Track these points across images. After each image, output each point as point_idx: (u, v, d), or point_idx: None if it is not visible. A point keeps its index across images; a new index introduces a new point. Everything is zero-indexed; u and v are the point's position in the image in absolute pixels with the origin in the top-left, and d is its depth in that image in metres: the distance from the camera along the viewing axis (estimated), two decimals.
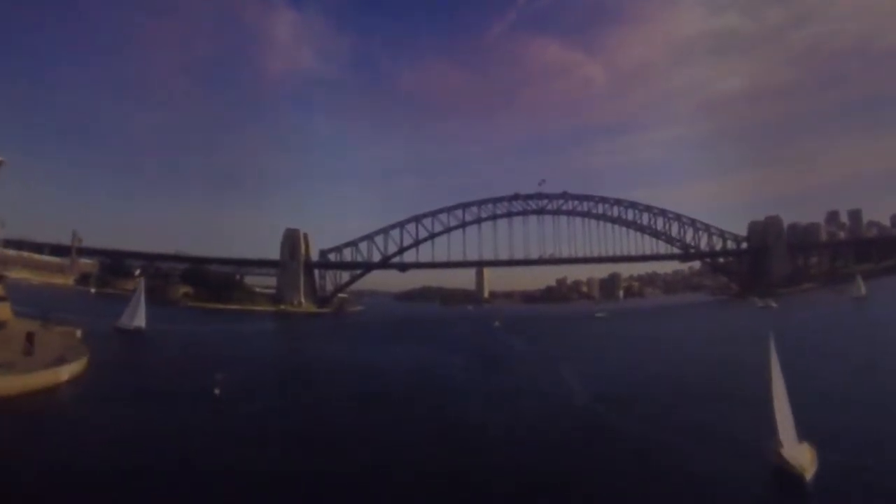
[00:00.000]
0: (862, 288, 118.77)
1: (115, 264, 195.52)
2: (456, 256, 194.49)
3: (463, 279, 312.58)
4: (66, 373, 36.89)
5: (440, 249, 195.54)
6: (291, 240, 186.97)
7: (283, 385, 45.88)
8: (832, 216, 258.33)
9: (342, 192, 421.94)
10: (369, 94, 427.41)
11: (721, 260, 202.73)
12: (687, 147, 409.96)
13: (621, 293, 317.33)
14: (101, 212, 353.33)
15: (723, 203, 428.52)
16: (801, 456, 21.74)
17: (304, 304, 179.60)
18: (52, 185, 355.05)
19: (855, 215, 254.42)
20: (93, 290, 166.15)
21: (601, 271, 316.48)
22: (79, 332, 54.80)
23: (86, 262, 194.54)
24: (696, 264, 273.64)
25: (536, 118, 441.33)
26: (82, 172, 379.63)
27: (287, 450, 26.93)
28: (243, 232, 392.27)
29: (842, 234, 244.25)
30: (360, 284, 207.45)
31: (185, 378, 41.94)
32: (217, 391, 35.36)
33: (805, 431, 23.15)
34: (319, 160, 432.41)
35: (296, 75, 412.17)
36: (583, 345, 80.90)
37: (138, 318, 71.52)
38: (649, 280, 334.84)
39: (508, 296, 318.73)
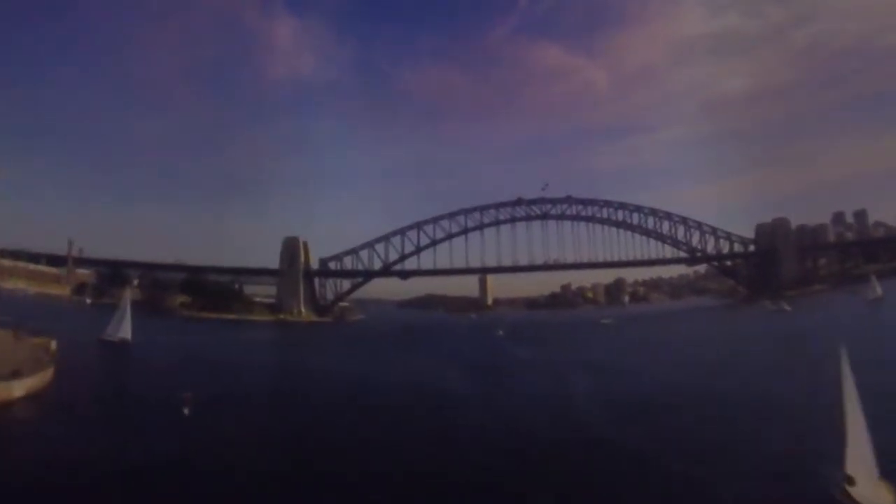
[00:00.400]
0: (878, 289, 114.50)
1: (114, 274, 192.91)
2: (458, 263, 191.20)
3: (467, 286, 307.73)
4: (20, 388, 33.54)
5: (443, 256, 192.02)
6: (290, 248, 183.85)
7: (264, 400, 42.14)
8: (838, 217, 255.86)
9: (344, 198, 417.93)
10: (371, 98, 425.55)
11: (729, 263, 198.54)
12: (689, 148, 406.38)
13: (626, 298, 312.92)
14: (99, 221, 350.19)
15: (725, 204, 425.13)
16: (879, 498, 16.68)
17: (304, 313, 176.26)
18: (50, 194, 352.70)
19: (861, 216, 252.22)
20: (88, 301, 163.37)
21: (606, 276, 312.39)
22: (53, 344, 51.40)
23: (83, 272, 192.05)
24: (702, 268, 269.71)
25: (538, 121, 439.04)
26: (81, 181, 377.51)
27: (254, 478, 23.39)
28: (244, 239, 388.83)
29: (849, 235, 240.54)
30: (364, 293, 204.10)
31: (158, 394, 38.27)
32: (186, 410, 31.81)
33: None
34: (321, 166, 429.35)
35: (297, 81, 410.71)
36: (591, 354, 75.39)
37: (124, 329, 68.20)
38: (654, 285, 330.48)
39: (512, 302, 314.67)
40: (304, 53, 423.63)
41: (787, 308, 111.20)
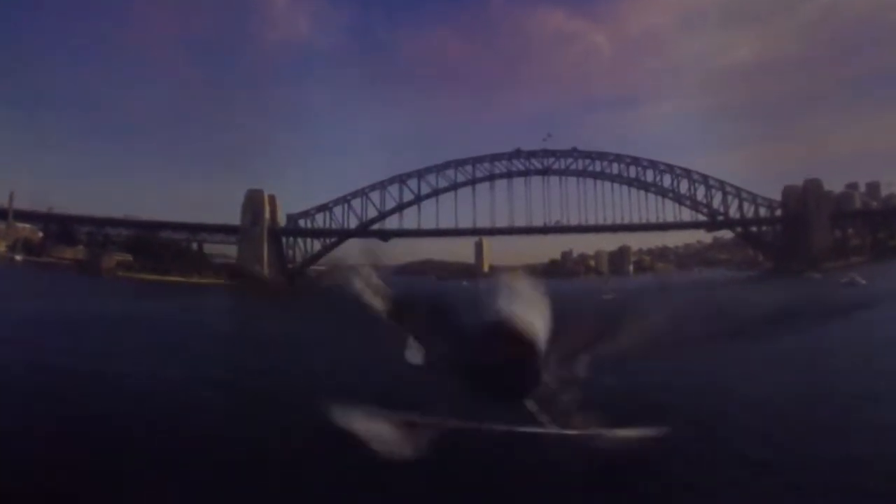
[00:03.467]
0: None
1: (62, 230, 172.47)
2: (446, 223, 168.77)
3: (465, 251, 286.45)
4: None
5: (430, 215, 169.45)
6: (254, 202, 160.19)
7: None
8: (851, 188, 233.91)
9: (337, 166, 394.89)
10: (367, 65, 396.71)
11: (753, 229, 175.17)
12: (694, 120, 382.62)
13: (631, 268, 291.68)
14: (94, 182, 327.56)
15: (732, 175, 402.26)
16: None
17: (268, 278, 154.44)
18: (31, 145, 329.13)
19: (874, 187, 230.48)
20: (18, 258, 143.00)
21: (609, 243, 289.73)
22: None
23: (24, 227, 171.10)
24: (708, 237, 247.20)
25: (540, 89, 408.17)
26: (67, 140, 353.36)
27: None
28: (233, 203, 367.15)
29: (875, 204, 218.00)
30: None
31: None
32: None
33: None
34: (316, 133, 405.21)
35: (291, 46, 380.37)
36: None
37: None
38: (660, 254, 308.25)
39: (511, 270, 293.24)
40: (298, 18, 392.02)
41: (862, 282, 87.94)
